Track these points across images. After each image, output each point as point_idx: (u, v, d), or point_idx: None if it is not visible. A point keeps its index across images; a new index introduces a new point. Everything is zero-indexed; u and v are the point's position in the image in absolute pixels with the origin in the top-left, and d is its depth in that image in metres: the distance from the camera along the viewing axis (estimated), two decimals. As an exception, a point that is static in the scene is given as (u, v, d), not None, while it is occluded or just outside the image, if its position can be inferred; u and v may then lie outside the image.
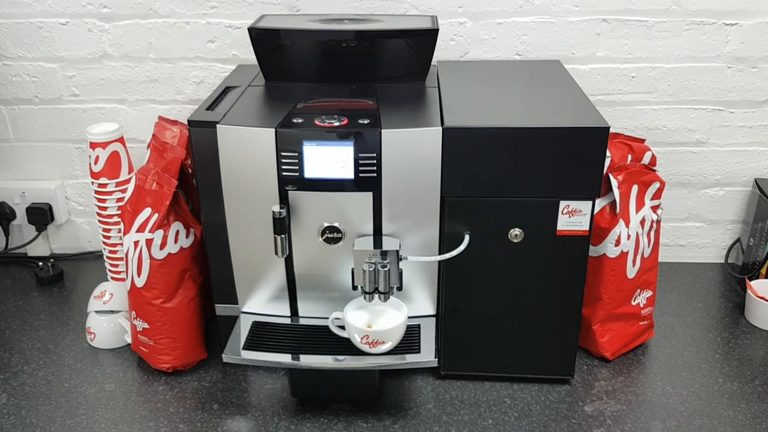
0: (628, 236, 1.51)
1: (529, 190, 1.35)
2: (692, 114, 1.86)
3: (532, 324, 1.47)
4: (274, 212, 1.31)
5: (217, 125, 1.33)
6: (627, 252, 1.52)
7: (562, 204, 1.36)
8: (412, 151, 1.30)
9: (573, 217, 1.37)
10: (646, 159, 1.61)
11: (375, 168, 1.30)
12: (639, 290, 1.58)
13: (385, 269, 1.31)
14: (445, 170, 1.33)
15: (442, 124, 1.31)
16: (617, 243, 1.51)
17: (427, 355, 1.37)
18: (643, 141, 1.64)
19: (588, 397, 1.50)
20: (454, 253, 1.36)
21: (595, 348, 1.60)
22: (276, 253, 1.34)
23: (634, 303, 1.58)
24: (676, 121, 1.87)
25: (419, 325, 1.47)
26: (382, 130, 1.29)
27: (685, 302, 1.84)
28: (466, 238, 1.38)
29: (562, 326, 1.47)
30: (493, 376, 1.55)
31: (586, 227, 1.38)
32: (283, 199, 1.35)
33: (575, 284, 1.43)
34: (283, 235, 1.32)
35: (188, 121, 1.36)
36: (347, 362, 1.36)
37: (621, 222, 1.50)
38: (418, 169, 1.32)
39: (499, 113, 1.38)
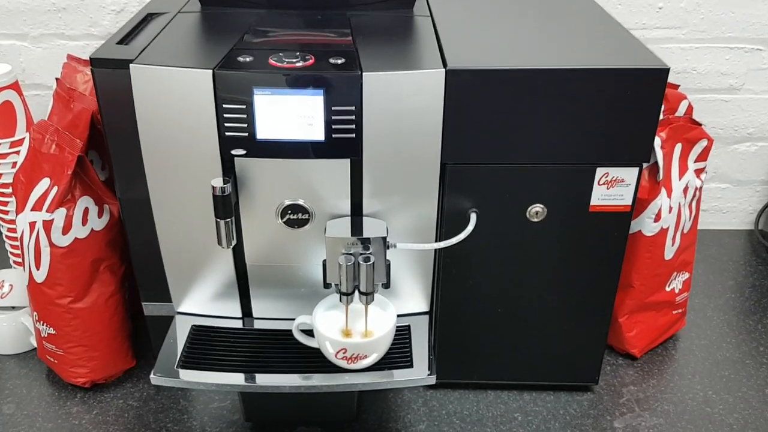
0: (670, 209, 1.20)
1: (556, 154, 1.02)
2: (727, 54, 1.55)
3: (550, 322, 1.16)
4: (214, 188, 0.94)
5: (131, 65, 0.95)
6: (667, 228, 1.21)
7: (600, 172, 1.03)
8: (404, 102, 0.95)
9: (612, 188, 1.05)
10: (681, 109, 1.29)
11: (353, 126, 0.95)
12: (675, 273, 1.28)
13: (368, 263, 0.97)
14: (448, 128, 0.98)
15: (444, 65, 0.96)
16: (657, 218, 1.19)
17: (420, 369, 1.05)
18: (677, 87, 1.32)
19: (616, 409, 1.21)
20: (458, 238, 1.03)
21: (621, 344, 1.31)
22: (219, 243, 0.98)
23: (668, 288, 1.28)
24: (708, 62, 1.55)
25: (409, 326, 1.14)
26: (363, 74, 0.93)
27: (714, 280, 1.56)
28: (473, 218, 1.05)
29: (589, 323, 1.17)
30: (499, 385, 1.25)
31: (629, 201, 1.06)
32: (228, 170, 0.99)
33: (610, 272, 1.12)
34: (228, 219, 0.96)
35: (91, 59, 0.98)
36: (317, 381, 1.03)
37: (663, 192, 1.18)
38: (411, 127, 0.97)
39: (517, 51, 1.04)
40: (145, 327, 1.23)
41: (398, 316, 1.06)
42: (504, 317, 1.16)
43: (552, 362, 1.21)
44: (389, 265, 1.02)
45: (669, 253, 1.24)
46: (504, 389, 1.25)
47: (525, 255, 1.10)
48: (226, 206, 0.95)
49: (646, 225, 1.19)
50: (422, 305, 1.16)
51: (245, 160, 0.99)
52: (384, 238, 0.99)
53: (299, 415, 1.18)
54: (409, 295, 1.15)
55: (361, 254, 0.99)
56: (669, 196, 1.19)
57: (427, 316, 1.17)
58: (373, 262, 0.97)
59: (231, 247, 0.99)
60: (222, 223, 0.96)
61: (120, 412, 1.19)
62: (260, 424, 1.18)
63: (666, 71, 0.96)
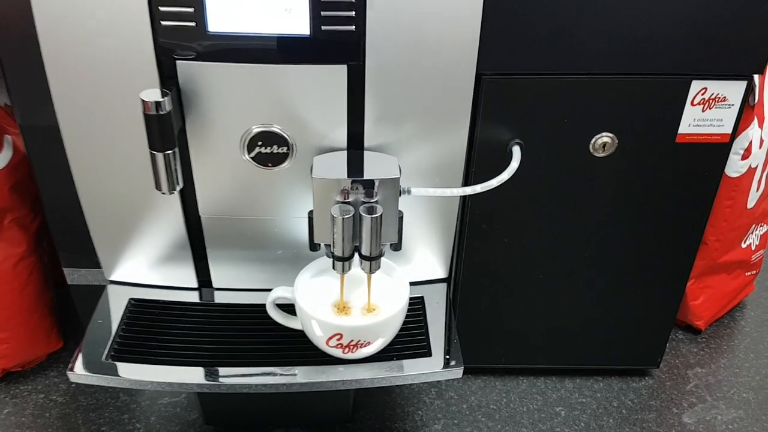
0: (761, 142, 0.92)
1: (634, 61, 0.72)
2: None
3: (607, 290, 0.89)
4: (146, 104, 0.63)
5: None
6: (755, 168, 0.94)
7: (696, 87, 0.74)
8: (428, -21, 0.64)
9: (710, 110, 0.76)
10: None
11: (353, 14, 0.64)
12: (754, 225, 1.01)
13: (373, 215, 0.67)
14: (488, 24, 0.68)
15: (486, -77, 0.65)
16: (745, 154, 0.91)
17: (437, 359, 0.77)
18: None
19: (683, 398, 0.95)
20: (496, 181, 0.73)
21: (682, 315, 1.04)
22: (158, 186, 0.68)
23: (744, 245, 1.02)
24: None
25: (422, 298, 0.86)
26: (369, -69, 0.62)
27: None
28: (516, 152, 0.76)
29: (658, 292, 0.90)
30: (533, 370, 0.98)
31: (729, 128, 0.77)
32: (168, 79, 0.67)
33: (693, 226, 0.84)
34: (168, 151, 0.66)
35: None
36: (301, 378, 0.75)
37: (755, 120, 0.90)
38: (435, 19, 0.66)
39: None
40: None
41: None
42: (544, 285, 0.88)
43: (603, 341, 0.94)
44: (401, 218, 0.73)
45: (752, 200, 0.96)
46: (539, 375, 0.98)
47: (583, 203, 0.81)
48: (165, 131, 0.64)
49: (731, 163, 0.91)
50: (438, 270, 0.88)
51: (193, 65, 0.67)
52: (396, 181, 0.69)
53: (277, 418, 0.90)
54: (423, 257, 0.86)
55: (363, 203, 0.69)
56: (761, 125, 0.91)
57: (443, 285, 0.89)
58: (380, 215, 0.68)
59: (174, 192, 0.69)
60: (160, 157, 0.65)
61: (39, 410, 0.90)
62: (225, 428, 0.89)
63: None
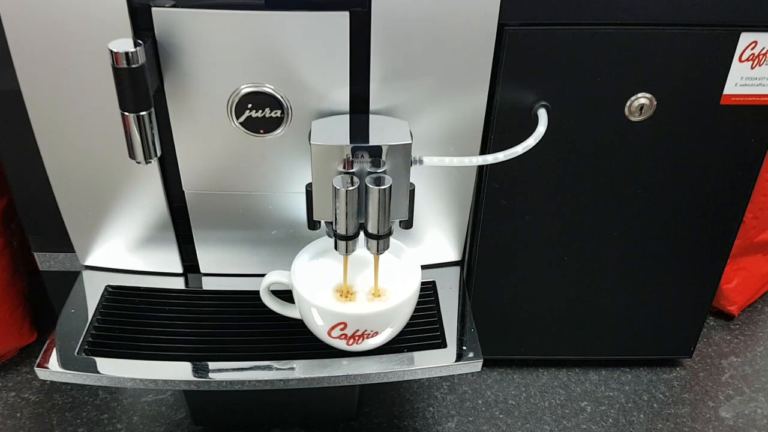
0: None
1: (676, 12, 0.63)
2: None
3: (638, 273, 0.81)
4: (115, 55, 0.54)
5: None
6: (799, 136, 0.84)
7: (745, 40, 0.65)
8: None
9: (760, 66, 0.67)
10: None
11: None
12: (793, 202, 0.92)
13: (381, 186, 0.58)
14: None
15: None
16: (790, 120, 0.82)
17: (452, 350, 0.69)
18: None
19: (719, 390, 0.87)
20: (520, 148, 0.64)
21: (715, 299, 0.96)
22: (132, 155, 0.59)
23: (782, 222, 0.93)
24: None
25: (434, 283, 0.77)
26: None
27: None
28: (543, 115, 0.67)
29: (694, 274, 0.81)
30: (555, 361, 0.90)
31: (781, 88, 0.68)
32: (143, 30, 0.58)
33: (736, 200, 0.75)
34: (143, 112, 0.56)
35: None
36: (300, 373, 0.67)
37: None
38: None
39: None
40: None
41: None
42: (568, 268, 0.79)
43: (631, 329, 0.85)
44: (413, 191, 0.64)
45: (794, 172, 0.87)
46: (561, 367, 0.89)
47: (616, 174, 0.72)
48: (138, 89, 0.55)
49: (775, 131, 0.82)
50: (451, 252, 0.79)
51: (171, 13, 0.58)
52: (407, 147, 0.60)
53: (274, 417, 0.81)
54: (434, 238, 0.77)
55: (370, 173, 0.60)
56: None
57: (457, 269, 0.80)
58: (389, 187, 0.59)
59: (151, 161, 0.59)
60: (132, 119, 0.56)
61: (10, 410, 0.82)
62: (216, 428, 0.81)
63: None
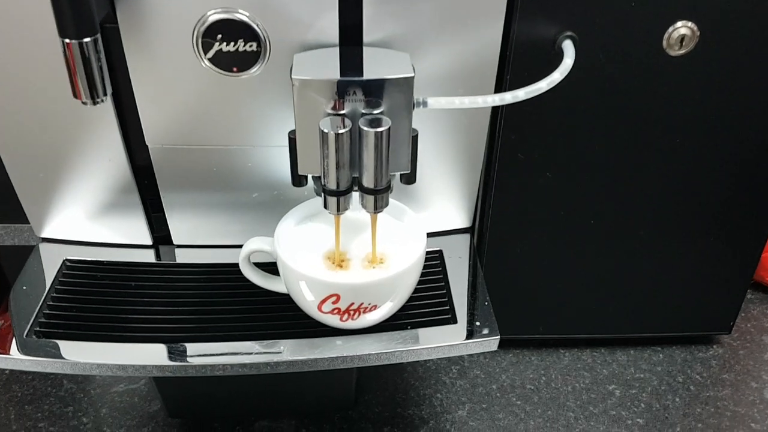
0: None
1: None
2: None
3: (672, 238, 0.71)
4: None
5: None
6: None
7: (807, -47, 0.55)
8: None
9: (824, -12, 0.57)
10: None
11: None
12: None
13: (379, 128, 0.48)
14: None
15: None
16: None
17: (464, 327, 0.59)
18: None
19: (762, 370, 0.78)
20: (549, 82, 0.54)
21: (756, 271, 0.85)
22: (75, 93, 0.49)
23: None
24: None
25: (440, 252, 0.67)
26: None
27: None
28: (570, 47, 0.56)
29: (735, 240, 0.71)
30: (577, 341, 0.80)
31: None
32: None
33: (789, 151, 0.65)
34: (86, 39, 0.46)
35: None
36: (288, 355, 0.57)
37: None
38: None
39: None
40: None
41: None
42: (594, 234, 0.70)
43: (662, 303, 0.75)
44: (416, 137, 0.54)
45: None
46: (584, 347, 0.80)
47: (651, 120, 0.62)
48: (78, 8, 0.45)
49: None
50: (460, 217, 0.69)
51: None
52: (408, 82, 0.50)
53: (259, 407, 0.72)
54: (440, 201, 0.67)
55: (365, 114, 0.50)
56: None
57: (466, 236, 0.70)
58: (388, 129, 0.49)
59: (99, 100, 0.49)
60: (74, 47, 0.46)
61: (-36, 404, 0.72)
62: (194, 421, 0.71)
63: None
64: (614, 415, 0.72)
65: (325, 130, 0.49)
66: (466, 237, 0.70)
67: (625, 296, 0.75)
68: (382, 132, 0.49)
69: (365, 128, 0.49)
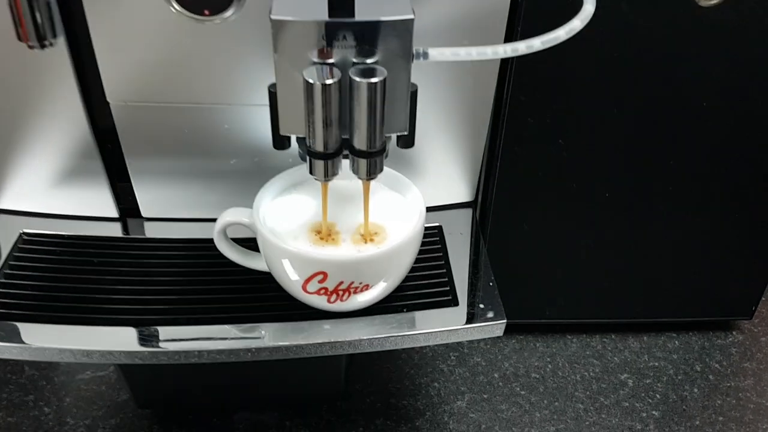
0: None
1: None
2: None
3: (691, 214, 0.65)
4: None
5: None
6: None
7: None
8: None
9: None
10: None
11: None
12: None
13: (372, 80, 0.41)
14: None
15: None
16: None
17: (463, 309, 0.53)
18: None
19: (786, 359, 0.71)
20: (569, 31, 0.47)
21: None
22: (19, 35, 0.42)
23: None
24: None
25: (439, 228, 0.61)
26: None
27: None
28: (588, -6, 0.49)
29: (758, 218, 0.65)
30: (587, 326, 0.74)
31: None
32: None
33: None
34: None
35: None
36: (271, 341, 0.51)
37: None
38: None
39: None
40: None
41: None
42: (607, 210, 0.63)
43: (678, 285, 0.69)
44: (416, 93, 0.47)
45: None
46: (594, 333, 0.74)
47: (676, 79, 0.56)
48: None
49: None
50: (461, 190, 0.63)
51: None
52: (407, 26, 0.43)
53: (239, 397, 0.65)
54: (439, 172, 0.61)
55: (356, 63, 0.43)
56: None
57: (468, 211, 0.64)
58: (383, 81, 0.42)
59: (47, 44, 0.42)
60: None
61: None
62: (166, 412, 0.65)
63: None
64: (627, 406, 0.66)
65: (311, 81, 0.42)
66: (468, 212, 0.64)
67: (638, 278, 0.69)
68: (376, 84, 0.42)
69: (357, 79, 0.42)
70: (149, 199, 0.59)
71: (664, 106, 0.57)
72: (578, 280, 0.69)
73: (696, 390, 0.68)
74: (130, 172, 0.57)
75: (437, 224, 0.62)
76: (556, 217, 0.64)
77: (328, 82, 0.42)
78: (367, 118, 0.43)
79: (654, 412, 0.65)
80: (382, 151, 0.46)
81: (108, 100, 0.52)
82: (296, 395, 0.66)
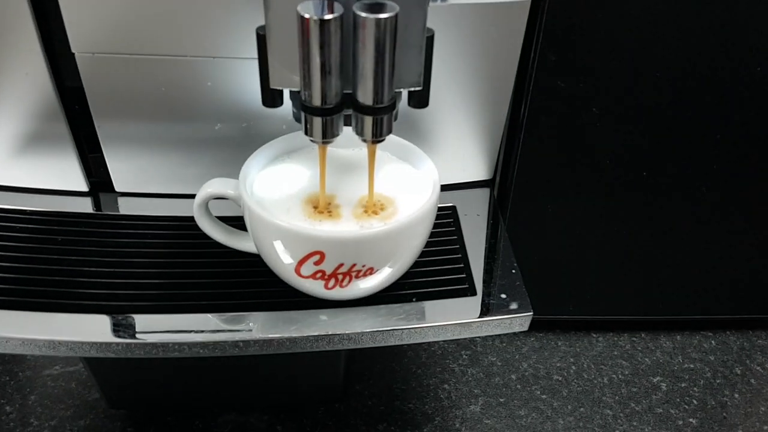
0: None
1: None
2: None
3: (730, 199, 0.57)
4: None
5: None
6: None
7: None
8: None
9: None
10: None
11: None
12: None
13: (381, 16, 0.34)
14: None
15: None
16: None
17: (479, 299, 0.46)
18: None
19: (835, 362, 0.64)
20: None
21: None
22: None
23: None
24: None
25: (454, 208, 0.54)
26: None
27: None
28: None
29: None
30: (613, 323, 0.66)
31: None
32: None
33: None
34: None
35: None
36: (260, 333, 0.44)
37: None
38: None
39: None
40: None
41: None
42: (641, 192, 0.56)
43: (716, 280, 0.62)
44: (432, 39, 0.40)
45: None
46: (622, 331, 0.66)
47: (734, 43, 0.49)
48: None
49: None
50: (478, 168, 0.55)
51: None
52: (422, -44, 0.36)
53: (225, 397, 0.58)
54: (453, 146, 0.53)
55: (362, 5, 0.36)
56: None
57: (486, 191, 0.57)
58: (394, 18, 0.35)
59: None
60: None
61: None
62: (141, 413, 0.58)
63: None
64: (661, 413, 0.59)
65: (306, 16, 0.34)
66: (486, 191, 0.57)
67: (672, 271, 0.61)
68: (385, 20, 0.35)
69: (362, 14, 0.35)
70: (123, 170, 0.52)
71: (717, 74, 0.50)
72: (606, 272, 0.61)
73: (737, 395, 0.60)
74: (100, 139, 0.50)
75: (451, 204, 0.55)
76: (584, 198, 0.57)
77: (327, 17, 0.35)
78: (374, 64, 0.36)
79: (691, 420, 0.58)
80: (392, 108, 0.39)
81: (73, 50, 0.45)
82: (289, 396, 0.59)
